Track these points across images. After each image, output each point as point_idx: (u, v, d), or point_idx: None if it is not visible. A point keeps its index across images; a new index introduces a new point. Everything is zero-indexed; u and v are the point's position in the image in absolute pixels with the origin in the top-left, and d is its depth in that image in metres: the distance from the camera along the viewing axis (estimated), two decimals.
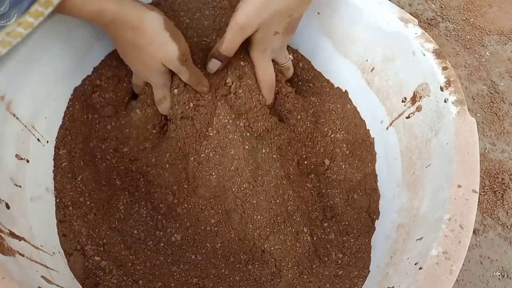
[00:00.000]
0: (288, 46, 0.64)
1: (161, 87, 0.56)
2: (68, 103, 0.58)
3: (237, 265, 0.54)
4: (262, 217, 0.54)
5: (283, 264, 0.53)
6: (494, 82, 0.95)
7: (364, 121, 0.62)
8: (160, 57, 0.51)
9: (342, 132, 0.63)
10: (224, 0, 0.58)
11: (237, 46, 0.53)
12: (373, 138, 0.61)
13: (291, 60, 0.62)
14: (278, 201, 0.55)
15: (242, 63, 0.56)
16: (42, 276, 0.43)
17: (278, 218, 0.55)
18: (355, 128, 0.62)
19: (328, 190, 0.61)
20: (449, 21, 1.06)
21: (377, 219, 0.57)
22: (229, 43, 0.52)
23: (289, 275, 0.53)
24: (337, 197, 0.60)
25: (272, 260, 0.54)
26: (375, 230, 0.57)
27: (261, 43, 0.54)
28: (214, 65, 0.54)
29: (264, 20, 0.51)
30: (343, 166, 0.62)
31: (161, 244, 0.56)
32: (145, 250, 0.55)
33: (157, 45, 0.50)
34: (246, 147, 0.55)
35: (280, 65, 0.60)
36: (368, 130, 0.62)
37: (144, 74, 0.55)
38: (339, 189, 0.61)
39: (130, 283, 0.52)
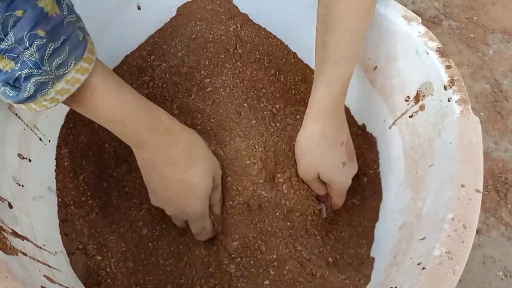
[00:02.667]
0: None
1: (200, 217, 0.52)
2: None
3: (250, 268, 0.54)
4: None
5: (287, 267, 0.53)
6: (497, 80, 0.95)
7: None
8: (213, 170, 0.51)
9: None
10: None
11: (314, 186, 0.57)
12: (376, 138, 0.61)
13: None
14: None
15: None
16: (44, 275, 0.43)
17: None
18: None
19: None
20: (452, 19, 1.05)
21: (378, 220, 0.57)
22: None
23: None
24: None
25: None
26: (377, 230, 0.57)
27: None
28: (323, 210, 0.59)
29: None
30: None
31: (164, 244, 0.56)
32: (148, 250, 0.55)
33: (209, 157, 0.51)
34: None
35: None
36: (371, 133, 0.62)
37: (184, 203, 0.50)
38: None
39: (131, 282, 0.52)
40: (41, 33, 0.35)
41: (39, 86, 0.37)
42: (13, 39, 0.34)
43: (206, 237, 0.53)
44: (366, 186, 0.61)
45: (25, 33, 0.34)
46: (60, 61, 0.37)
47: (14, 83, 0.37)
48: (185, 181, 0.49)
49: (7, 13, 0.33)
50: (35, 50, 0.35)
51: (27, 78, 0.36)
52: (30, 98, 0.38)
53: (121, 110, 0.43)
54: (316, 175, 0.55)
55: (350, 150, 0.56)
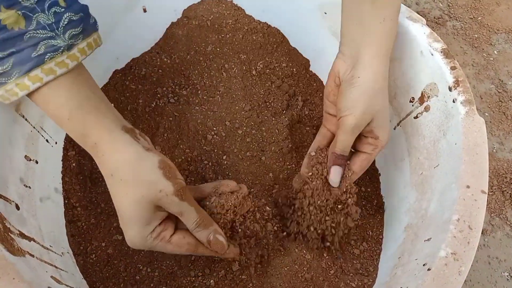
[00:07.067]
0: None
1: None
2: None
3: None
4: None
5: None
6: (502, 81, 0.95)
7: None
8: (154, 196, 0.41)
9: None
10: None
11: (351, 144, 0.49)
12: None
13: None
14: None
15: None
16: (51, 276, 0.43)
17: None
18: None
19: None
20: (456, 19, 1.05)
21: (383, 224, 0.57)
22: (342, 143, 0.49)
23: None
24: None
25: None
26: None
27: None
28: (337, 173, 0.50)
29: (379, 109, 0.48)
30: None
31: None
32: (154, 252, 0.55)
33: (149, 182, 0.41)
34: None
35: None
36: None
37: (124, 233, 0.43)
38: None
39: (138, 283, 0.52)
40: None
41: None
42: None
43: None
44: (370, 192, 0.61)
45: None
46: (1, 71, 0.38)
47: None
48: (116, 208, 0.42)
49: None
50: None
51: None
52: None
53: (57, 120, 0.42)
54: (366, 124, 0.48)
55: None
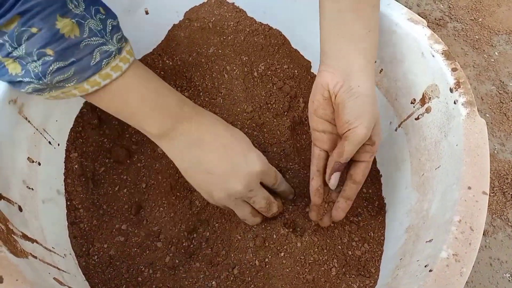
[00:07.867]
0: None
1: (261, 197, 0.51)
2: (82, 108, 0.59)
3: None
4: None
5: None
6: (503, 82, 0.95)
7: None
8: (260, 166, 0.50)
9: None
10: None
11: None
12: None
13: None
14: None
15: None
16: (54, 278, 0.43)
17: None
18: None
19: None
20: (457, 21, 1.05)
21: (385, 226, 0.57)
22: (350, 153, 0.49)
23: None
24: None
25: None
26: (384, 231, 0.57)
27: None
28: (337, 178, 0.51)
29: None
30: None
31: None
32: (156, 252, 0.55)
33: (255, 154, 0.50)
34: None
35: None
36: None
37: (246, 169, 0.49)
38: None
39: (140, 284, 0.52)
40: (49, 51, 0.38)
41: (35, 90, 0.41)
42: (23, 51, 0.37)
43: (275, 210, 0.54)
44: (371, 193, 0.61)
45: (35, 49, 0.38)
46: (62, 78, 0.40)
47: (15, 85, 0.41)
48: (238, 152, 0.49)
49: (23, 28, 0.36)
50: (40, 64, 0.38)
51: (27, 83, 0.40)
52: (28, 93, 0.42)
53: (141, 96, 0.45)
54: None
55: None
